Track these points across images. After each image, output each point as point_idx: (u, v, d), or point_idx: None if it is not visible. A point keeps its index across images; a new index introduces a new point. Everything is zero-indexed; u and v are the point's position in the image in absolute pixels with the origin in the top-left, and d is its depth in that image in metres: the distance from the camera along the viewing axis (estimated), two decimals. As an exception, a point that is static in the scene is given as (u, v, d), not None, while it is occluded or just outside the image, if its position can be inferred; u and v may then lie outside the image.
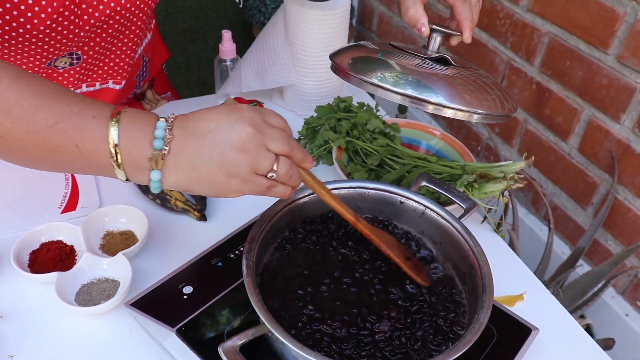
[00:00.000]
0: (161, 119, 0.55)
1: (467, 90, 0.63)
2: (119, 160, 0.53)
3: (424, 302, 0.63)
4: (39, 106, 0.52)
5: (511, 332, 0.68)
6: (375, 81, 0.62)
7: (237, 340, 0.51)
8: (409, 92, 0.61)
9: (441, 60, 0.68)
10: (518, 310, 0.74)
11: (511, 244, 1.16)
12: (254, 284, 0.55)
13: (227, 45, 1.05)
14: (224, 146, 0.53)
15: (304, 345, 0.50)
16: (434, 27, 0.70)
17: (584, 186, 1.39)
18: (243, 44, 1.08)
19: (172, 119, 0.55)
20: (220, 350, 0.50)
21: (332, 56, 0.72)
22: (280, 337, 0.50)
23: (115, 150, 0.53)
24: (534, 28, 1.45)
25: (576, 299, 1.19)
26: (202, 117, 0.55)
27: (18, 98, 0.51)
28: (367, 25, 2.38)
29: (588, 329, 1.26)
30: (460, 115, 0.62)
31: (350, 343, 0.57)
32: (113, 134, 0.53)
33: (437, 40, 0.71)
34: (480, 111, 0.62)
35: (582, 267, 1.40)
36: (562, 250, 1.47)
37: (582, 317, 1.27)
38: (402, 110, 1.87)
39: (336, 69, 0.70)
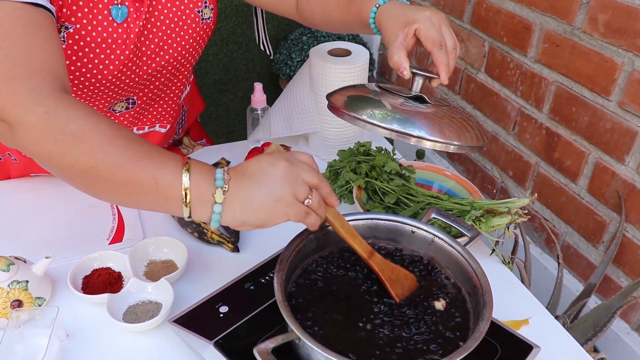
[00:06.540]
0: (218, 168, 0.67)
1: (445, 124, 0.72)
2: (188, 199, 0.64)
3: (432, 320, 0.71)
4: (128, 146, 0.63)
5: (514, 349, 0.74)
6: (365, 118, 0.72)
7: (270, 344, 0.59)
8: (395, 127, 0.71)
9: (419, 99, 0.79)
10: (523, 332, 0.80)
11: (521, 278, 1.22)
12: (284, 297, 0.64)
13: (259, 96, 1.16)
14: (269, 179, 0.64)
15: (327, 349, 0.58)
16: (415, 71, 0.80)
17: (594, 225, 1.45)
18: (270, 94, 1.19)
19: (226, 168, 0.66)
20: (255, 351, 0.58)
21: (329, 96, 0.81)
22: (307, 342, 0.59)
23: (186, 192, 0.63)
24: (541, 77, 1.55)
25: (588, 332, 1.24)
26: (248, 163, 0.67)
27: (113, 137, 0.63)
28: (387, 76, 2.51)
29: (602, 364, 1.30)
30: (438, 147, 0.71)
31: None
32: (184, 179, 0.64)
33: (419, 82, 0.81)
34: (456, 143, 0.72)
35: (595, 302, 1.44)
36: (575, 287, 1.51)
37: (596, 350, 1.31)
38: (419, 155, 1.97)
39: (332, 107, 0.79)
